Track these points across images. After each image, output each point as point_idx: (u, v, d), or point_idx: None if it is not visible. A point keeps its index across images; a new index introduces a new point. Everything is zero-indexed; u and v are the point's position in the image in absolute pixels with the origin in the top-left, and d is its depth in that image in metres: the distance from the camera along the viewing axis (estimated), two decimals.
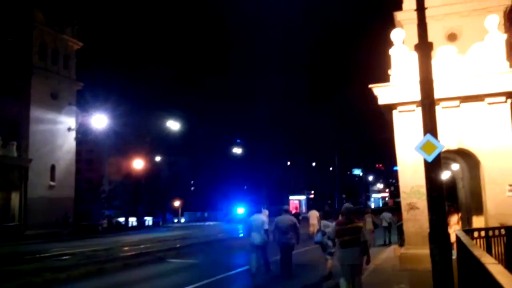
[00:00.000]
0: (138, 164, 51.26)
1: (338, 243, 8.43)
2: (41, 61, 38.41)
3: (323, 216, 12.89)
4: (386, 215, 21.93)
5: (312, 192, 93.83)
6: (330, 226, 10.64)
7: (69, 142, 40.44)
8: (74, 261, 16.77)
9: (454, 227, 12.00)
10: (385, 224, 21.67)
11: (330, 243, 11.02)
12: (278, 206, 18.00)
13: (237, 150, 72.29)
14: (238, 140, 77.18)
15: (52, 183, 38.42)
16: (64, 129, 39.78)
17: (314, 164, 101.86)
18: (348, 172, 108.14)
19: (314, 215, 23.29)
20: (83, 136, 44.92)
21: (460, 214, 14.41)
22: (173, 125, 47.99)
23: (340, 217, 8.79)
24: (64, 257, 18.63)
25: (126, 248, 22.25)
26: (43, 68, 38.49)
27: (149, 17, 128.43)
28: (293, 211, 47.02)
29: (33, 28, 37.60)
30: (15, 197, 35.04)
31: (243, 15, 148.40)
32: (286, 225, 12.28)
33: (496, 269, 3.45)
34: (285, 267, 12.16)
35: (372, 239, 19.32)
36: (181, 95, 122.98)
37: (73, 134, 40.68)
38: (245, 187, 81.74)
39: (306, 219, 27.18)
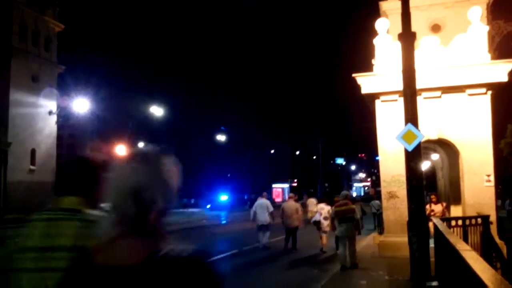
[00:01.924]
0: (120, 150, 50.80)
1: (337, 220, 10.71)
2: (21, 43, 37.53)
3: (318, 201, 16.43)
4: (375, 203, 23.30)
5: (295, 180, 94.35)
6: (325, 208, 13.90)
7: (50, 126, 39.81)
8: None
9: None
10: (374, 210, 22.90)
11: (324, 222, 13.56)
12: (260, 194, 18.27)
13: (221, 138, 72.13)
14: (222, 128, 76.99)
15: (32, 167, 37.88)
16: (45, 113, 39.09)
17: (297, 152, 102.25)
18: (331, 161, 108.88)
19: (312, 202, 23.61)
20: (64, 120, 44.17)
21: (445, 204, 14.72)
22: (157, 110, 47.43)
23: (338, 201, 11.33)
24: None
25: None
26: (24, 50, 37.63)
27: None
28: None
29: (12, 8, 36.61)
30: None
31: (228, 2, 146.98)
32: (291, 210, 14.72)
33: (469, 255, 3.53)
34: (292, 243, 14.52)
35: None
36: (165, 81, 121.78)
37: (54, 118, 40.00)
38: (228, 174, 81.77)
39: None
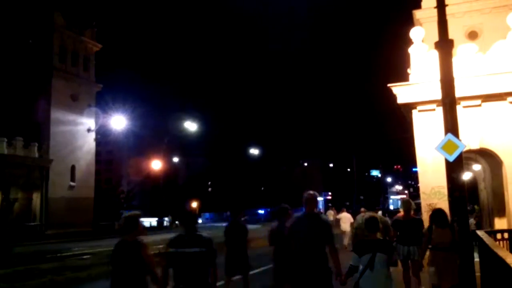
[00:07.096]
0: (156, 165, 51.68)
1: None
2: (61, 63, 38.99)
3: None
4: None
5: (330, 193, 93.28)
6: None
7: (89, 143, 40.98)
8: (94, 260, 16.94)
9: None
10: None
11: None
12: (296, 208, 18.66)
13: (254, 151, 72.26)
14: (255, 141, 77.22)
15: (72, 183, 38.99)
16: (84, 130, 40.32)
17: (331, 165, 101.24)
18: (366, 173, 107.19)
19: (345, 217, 22.01)
20: (103, 137, 45.54)
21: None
22: (191, 126, 48.11)
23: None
24: (84, 256, 18.86)
25: None
26: (63, 70, 39.07)
27: (167, 18, 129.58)
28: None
29: (53, 30, 38.20)
30: (36, 197, 35.66)
31: (261, 15, 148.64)
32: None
33: None
34: None
35: None
36: (199, 97, 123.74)
37: (92, 135, 41.20)
38: (262, 188, 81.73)
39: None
